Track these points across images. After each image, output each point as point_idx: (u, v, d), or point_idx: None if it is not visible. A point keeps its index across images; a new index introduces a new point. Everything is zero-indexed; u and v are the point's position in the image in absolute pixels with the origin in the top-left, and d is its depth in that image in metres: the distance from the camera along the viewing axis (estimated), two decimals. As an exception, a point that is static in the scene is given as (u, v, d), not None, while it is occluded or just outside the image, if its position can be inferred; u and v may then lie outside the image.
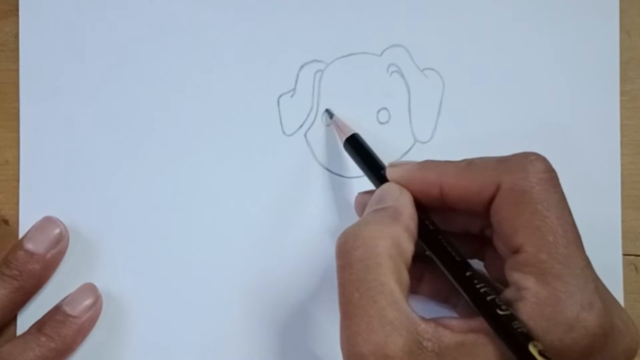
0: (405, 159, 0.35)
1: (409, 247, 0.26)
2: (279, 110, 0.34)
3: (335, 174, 0.35)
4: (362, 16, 0.35)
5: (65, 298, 0.33)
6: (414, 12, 0.35)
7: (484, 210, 0.27)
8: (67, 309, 0.32)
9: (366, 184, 0.34)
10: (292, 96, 0.34)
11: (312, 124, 0.35)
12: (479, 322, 0.25)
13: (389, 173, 0.29)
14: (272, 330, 0.34)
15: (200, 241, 0.34)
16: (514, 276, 0.25)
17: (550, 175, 0.26)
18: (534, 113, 0.35)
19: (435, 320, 0.25)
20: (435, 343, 0.24)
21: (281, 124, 0.34)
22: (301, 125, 0.34)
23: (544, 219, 0.25)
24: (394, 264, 0.25)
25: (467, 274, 0.26)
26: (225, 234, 0.34)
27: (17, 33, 0.34)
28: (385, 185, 0.29)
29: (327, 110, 0.34)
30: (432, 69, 0.35)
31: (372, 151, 0.32)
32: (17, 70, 0.34)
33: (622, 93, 0.35)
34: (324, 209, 0.34)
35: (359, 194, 0.32)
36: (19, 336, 0.32)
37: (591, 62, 0.35)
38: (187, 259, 0.34)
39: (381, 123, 0.35)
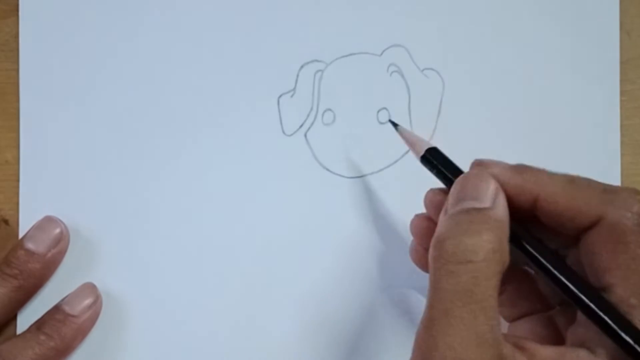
0: (406, 159, 0.35)
1: (507, 259, 0.25)
2: (279, 110, 0.34)
3: (335, 174, 0.35)
4: (362, 16, 0.35)
5: (65, 297, 0.32)
6: (414, 12, 0.35)
7: (574, 234, 0.26)
8: (67, 308, 0.32)
9: (366, 185, 0.34)
10: (292, 96, 0.34)
11: (312, 124, 0.35)
12: (558, 350, 0.24)
13: (478, 169, 0.27)
14: (271, 329, 0.34)
15: (200, 241, 0.34)
16: None
17: None
18: (534, 113, 0.35)
19: (514, 343, 0.24)
20: None
21: (281, 124, 0.34)
22: (301, 125, 0.34)
23: None
24: (498, 278, 0.24)
25: (588, 290, 0.25)
26: (225, 234, 0.34)
27: (17, 33, 0.34)
28: (478, 175, 0.26)
29: (391, 121, 0.33)
30: (432, 69, 0.35)
31: (454, 163, 0.29)
32: (17, 70, 0.34)
33: (622, 93, 0.35)
34: (323, 209, 0.34)
35: (432, 190, 0.29)
36: (19, 335, 0.32)
37: (591, 62, 0.35)
38: (187, 259, 0.34)
39: (381, 123, 0.35)
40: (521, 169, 0.27)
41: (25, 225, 0.33)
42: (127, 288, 0.33)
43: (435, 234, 0.25)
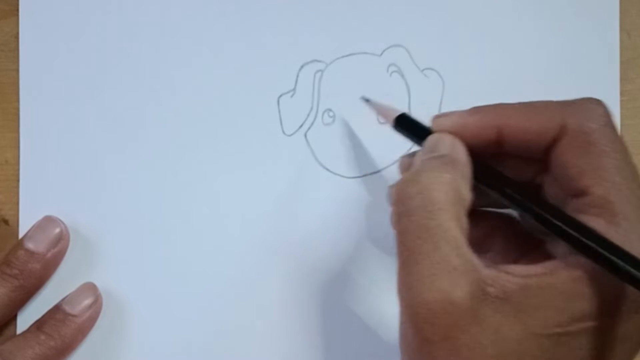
0: (405, 159, 0.35)
1: (467, 194, 0.26)
2: (279, 110, 0.34)
3: (335, 174, 0.35)
4: (362, 16, 0.35)
5: (65, 297, 0.33)
6: (414, 12, 0.35)
7: (542, 152, 0.26)
8: (67, 308, 0.32)
9: (366, 185, 0.34)
10: (292, 96, 0.34)
11: (312, 124, 0.35)
12: (540, 267, 0.24)
13: (437, 123, 0.28)
14: (272, 329, 0.34)
15: (200, 241, 0.34)
16: (581, 219, 0.25)
17: (612, 119, 0.26)
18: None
19: (495, 267, 0.24)
20: (499, 289, 0.23)
21: (281, 124, 0.34)
22: (301, 125, 0.34)
23: (611, 160, 0.25)
24: (455, 209, 0.24)
25: (547, 204, 0.25)
26: (225, 233, 0.34)
27: (17, 33, 0.34)
28: (434, 136, 0.28)
29: (363, 98, 0.33)
30: (432, 69, 0.35)
31: (424, 125, 0.30)
32: (17, 70, 0.34)
33: (622, 93, 0.35)
34: (323, 209, 0.34)
35: (403, 156, 0.30)
36: (19, 334, 0.32)
37: (591, 62, 0.35)
38: (187, 259, 0.34)
39: (381, 123, 0.35)
40: (478, 108, 0.28)
41: (25, 225, 0.33)
42: (127, 288, 0.33)
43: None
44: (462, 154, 0.27)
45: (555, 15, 0.35)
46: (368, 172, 0.35)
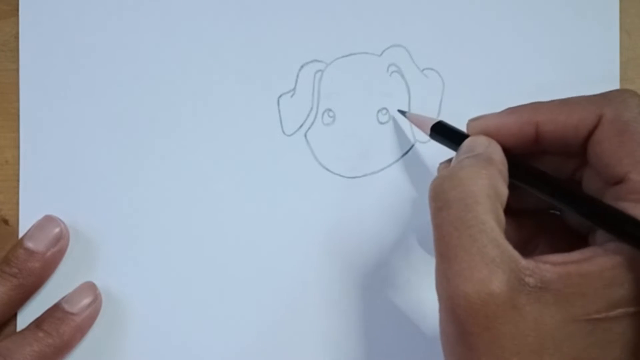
0: (406, 159, 0.35)
1: (504, 190, 0.26)
2: (279, 110, 0.34)
3: (335, 174, 0.34)
4: (362, 16, 0.35)
5: (65, 296, 0.33)
6: (414, 12, 0.35)
7: (580, 145, 0.27)
8: (66, 307, 0.32)
9: (366, 185, 0.34)
10: (292, 96, 0.34)
11: (312, 124, 0.35)
12: (579, 253, 0.24)
13: (473, 127, 0.29)
14: (271, 329, 0.34)
15: (200, 241, 0.34)
16: (621, 206, 0.25)
17: None
18: (534, 113, 0.35)
19: (534, 257, 0.24)
20: (538, 278, 0.24)
21: (281, 124, 0.34)
22: (301, 125, 0.34)
23: None
24: (492, 203, 0.25)
25: (585, 195, 0.26)
26: (225, 233, 0.34)
27: (17, 33, 0.34)
28: (471, 138, 0.29)
29: (399, 111, 0.34)
30: (432, 69, 0.35)
31: (460, 130, 0.31)
32: (17, 70, 0.34)
33: (622, 93, 0.35)
34: (323, 209, 0.34)
35: (442, 162, 0.31)
36: (18, 332, 0.32)
37: (591, 62, 0.35)
38: (187, 259, 0.34)
39: (381, 123, 0.35)
40: (514, 109, 0.28)
41: (25, 225, 0.33)
42: (127, 287, 0.33)
43: None
44: (498, 153, 0.27)
45: (556, 15, 0.35)
46: (368, 172, 0.35)
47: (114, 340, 0.33)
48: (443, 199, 0.25)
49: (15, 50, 0.34)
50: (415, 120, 0.33)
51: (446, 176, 0.26)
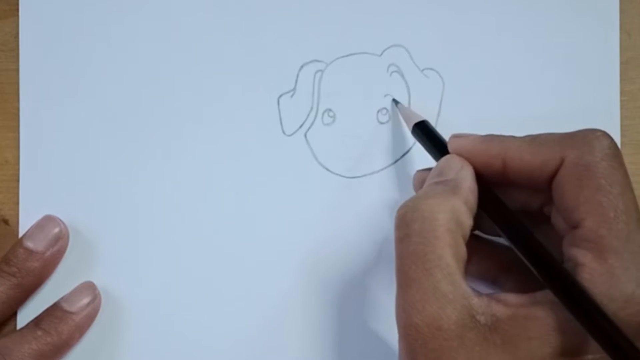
0: (406, 159, 0.35)
1: (467, 221, 0.26)
2: (279, 110, 0.34)
3: (335, 174, 0.34)
4: (362, 16, 0.35)
5: (64, 296, 0.33)
6: (414, 12, 0.35)
7: (546, 185, 0.27)
8: (65, 306, 0.32)
9: (366, 185, 0.34)
10: (292, 96, 0.34)
11: (312, 124, 0.35)
12: (531, 297, 0.25)
13: (451, 144, 0.29)
14: (271, 329, 0.34)
15: (200, 241, 0.34)
16: (572, 252, 0.25)
17: (616, 152, 0.26)
18: (533, 113, 0.35)
19: (488, 295, 0.25)
20: (488, 317, 0.24)
21: (281, 124, 0.34)
22: (301, 125, 0.34)
23: (606, 194, 0.25)
24: (452, 237, 0.25)
25: (536, 244, 0.25)
26: (225, 233, 0.34)
27: (17, 33, 0.34)
28: (446, 158, 0.29)
29: (394, 100, 0.34)
30: (432, 69, 0.35)
31: (440, 135, 0.31)
32: (17, 70, 0.34)
33: (622, 93, 0.35)
34: (324, 209, 0.34)
35: (418, 171, 0.31)
36: (17, 331, 0.32)
37: (591, 62, 0.35)
38: (186, 259, 0.34)
39: (381, 123, 0.35)
40: (489, 138, 0.28)
41: (25, 225, 0.33)
42: (126, 287, 0.33)
43: None
44: (468, 180, 0.27)
45: (556, 16, 0.35)
46: (368, 172, 0.35)
47: (112, 340, 0.33)
48: (405, 230, 0.26)
49: (15, 50, 0.34)
50: (404, 114, 0.33)
51: (410, 206, 0.26)
